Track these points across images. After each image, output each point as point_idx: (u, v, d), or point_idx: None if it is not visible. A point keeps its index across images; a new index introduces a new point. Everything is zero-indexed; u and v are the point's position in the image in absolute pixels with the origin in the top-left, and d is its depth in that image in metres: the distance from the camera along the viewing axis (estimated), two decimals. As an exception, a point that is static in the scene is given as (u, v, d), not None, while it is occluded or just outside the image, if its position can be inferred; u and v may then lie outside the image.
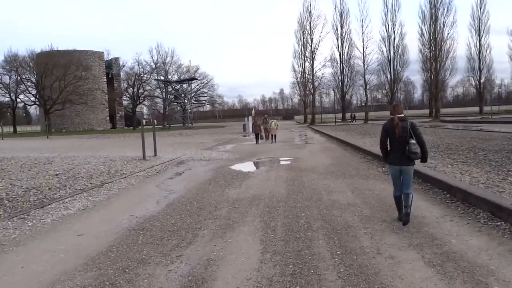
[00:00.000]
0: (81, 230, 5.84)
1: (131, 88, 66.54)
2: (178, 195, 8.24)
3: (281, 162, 13.43)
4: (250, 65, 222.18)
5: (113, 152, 18.77)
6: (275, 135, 23.41)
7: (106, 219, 6.45)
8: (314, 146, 20.24)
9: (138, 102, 65.84)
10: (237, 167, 12.71)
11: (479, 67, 64.57)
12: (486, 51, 63.70)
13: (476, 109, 71.04)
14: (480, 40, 63.21)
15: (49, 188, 9.10)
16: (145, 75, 68.04)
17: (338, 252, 4.45)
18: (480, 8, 62.23)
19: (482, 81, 65.59)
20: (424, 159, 5.50)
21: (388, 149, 5.64)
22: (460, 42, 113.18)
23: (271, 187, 8.63)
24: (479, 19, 62.61)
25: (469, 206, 5.95)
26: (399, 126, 5.36)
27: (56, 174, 11.32)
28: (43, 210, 7.11)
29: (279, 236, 5.15)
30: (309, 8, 59.24)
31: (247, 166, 12.94)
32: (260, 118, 26.06)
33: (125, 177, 10.86)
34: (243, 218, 6.15)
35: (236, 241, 5.02)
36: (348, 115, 68.77)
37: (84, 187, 9.39)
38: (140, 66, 67.60)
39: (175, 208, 7.02)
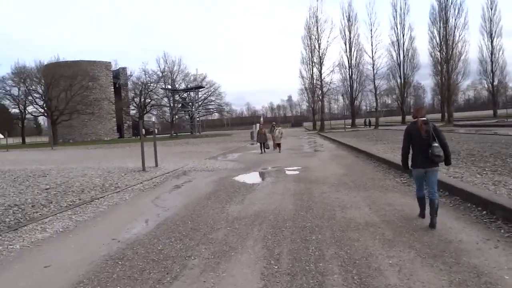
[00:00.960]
0: (50, 259, 4.95)
1: (138, 98, 66.18)
2: (172, 212, 7.33)
3: (289, 172, 12.47)
4: (258, 73, 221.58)
5: (114, 163, 17.98)
6: (279, 144, 21.76)
7: (84, 245, 5.55)
8: (324, 153, 19.24)
9: (145, 111, 65.43)
10: (241, 178, 11.78)
11: (492, 70, 62.88)
12: (499, 53, 61.99)
13: (489, 112, 69.21)
14: (492, 42, 61.61)
15: (32, 206, 8.25)
16: (151, 84, 67.68)
17: (359, 294, 3.49)
18: (491, 9, 60.74)
19: (495, 83, 63.80)
20: (448, 162, 5.44)
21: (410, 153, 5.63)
22: (471, 44, 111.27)
23: (277, 202, 7.68)
24: (491, 21, 61.02)
25: (514, 226, 4.94)
26: (423, 129, 5.32)
27: (46, 189, 10.50)
28: (15, 233, 6.25)
29: (284, 268, 4.20)
30: (315, 13, 58.38)
31: (252, 177, 12.00)
32: (267, 126, 25.12)
33: (118, 191, 10.00)
34: (243, 242, 5.20)
35: (231, 276, 4.08)
36: (362, 120, 67.46)
37: (71, 203, 8.54)
38: (146, 75, 67.31)
39: (166, 229, 6.10)
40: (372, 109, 73.53)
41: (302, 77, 61.47)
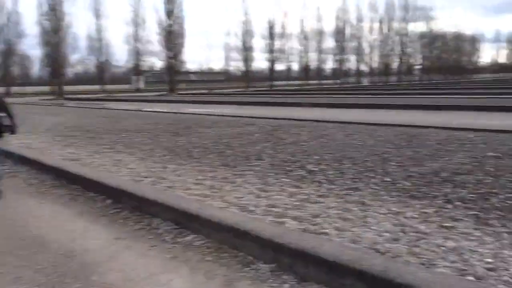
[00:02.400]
0: None
1: None
2: None
3: None
4: None
5: None
6: None
7: None
8: None
9: None
10: None
11: (100, 48, 66.03)
12: (104, 32, 65.84)
13: (97, 87, 72.98)
14: (99, 20, 64.39)
15: None
16: None
17: None
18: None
19: (103, 61, 67.55)
20: (14, 131, 5.73)
21: None
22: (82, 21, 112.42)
23: None
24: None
25: (141, 214, 4.49)
26: None
27: None
28: None
29: None
30: None
31: None
32: None
33: None
34: None
35: None
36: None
37: None
38: None
39: None
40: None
41: None
